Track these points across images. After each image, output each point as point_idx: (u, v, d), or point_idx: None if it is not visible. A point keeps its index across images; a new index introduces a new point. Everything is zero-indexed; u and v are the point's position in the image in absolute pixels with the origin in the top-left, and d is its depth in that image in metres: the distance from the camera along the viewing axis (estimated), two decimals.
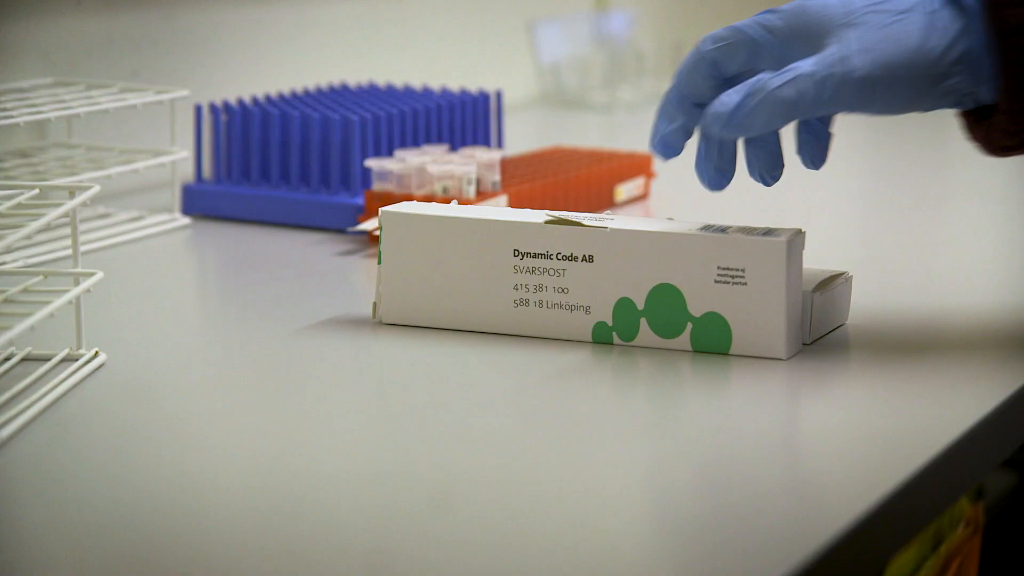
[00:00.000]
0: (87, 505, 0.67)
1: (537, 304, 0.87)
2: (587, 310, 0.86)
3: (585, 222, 0.86)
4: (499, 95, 1.30)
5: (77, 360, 0.83)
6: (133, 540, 0.64)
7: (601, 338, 0.86)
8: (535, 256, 0.87)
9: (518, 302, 0.88)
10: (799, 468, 0.73)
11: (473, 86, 1.42)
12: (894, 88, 0.81)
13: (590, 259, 0.86)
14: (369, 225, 1.10)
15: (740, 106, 0.82)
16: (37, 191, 0.85)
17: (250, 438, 0.75)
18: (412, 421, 0.78)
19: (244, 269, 1.10)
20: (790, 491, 0.69)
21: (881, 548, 0.68)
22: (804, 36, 0.83)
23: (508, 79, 1.69)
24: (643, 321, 0.85)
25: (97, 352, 0.85)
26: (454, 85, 1.42)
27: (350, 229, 1.13)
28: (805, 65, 0.81)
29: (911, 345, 0.89)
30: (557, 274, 0.87)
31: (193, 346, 0.91)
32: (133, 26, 1.32)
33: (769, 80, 0.82)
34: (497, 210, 0.90)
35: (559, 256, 0.86)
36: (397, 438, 0.76)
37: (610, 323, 0.86)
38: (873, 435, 0.76)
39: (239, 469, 0.71)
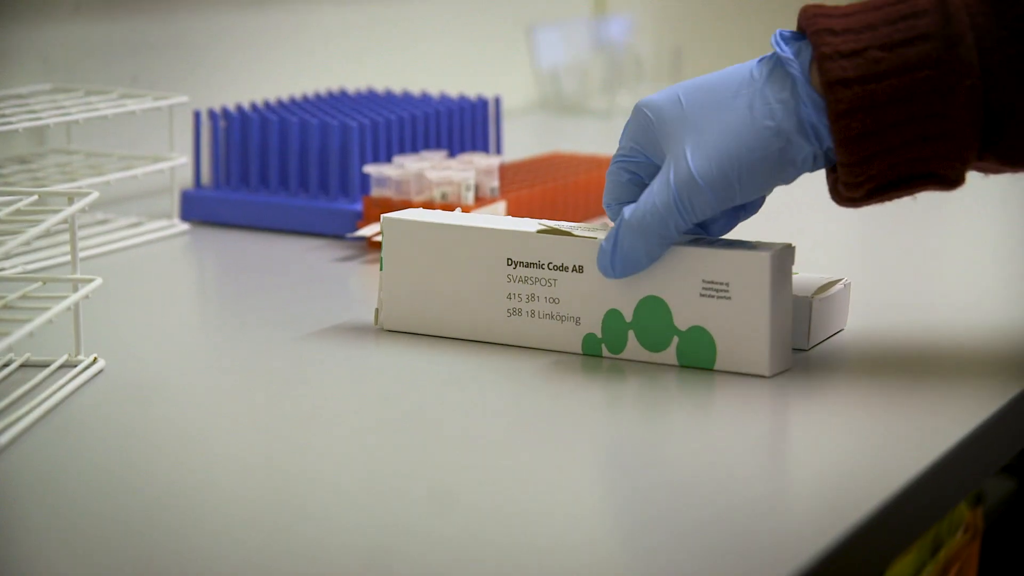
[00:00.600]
0: (86, 511, 0.67)
1: (529, 314, 0.87)
2: (577, 321, 0.86)
3: (576, 232, 0.86)
4: (498, 101, 1.30)
5: (76, 366, 0.83)
6: (132, 545, 0.64)
7: (591, 350, 0.86)
8: (527, 265, 0.87)
9: (511, 311, 0.87)
10: (798, 472, 0.73)
11: (472, 92, 1.42)
12: (744, 176, 0.81)
13: (580, 269, 0.86)
14: (368, 231, 1.10)
15: (615, 252, 0.83)
16: (36, 197, 0.85)
17: (249, 443, 0.75)
18: (410, 427, 0.78)
19: (243, 275, 1.10)
20: (789, 496, 0.69)
21: (880, 553, 0.68)
22: (655, 146, 0.84)
23: (507, 85, 1.69)
24: (631, 333, 0.85)
25: (96, 358, 0.85)
26: (453, 91, 1.42)
27: (349, 235, 1.13)
28: (656, 191, 0.82)
29: (910, 350, 0.89)
30: (548, 284, 0.86)
31: (192, 352, 0.91)
32: (132, 32, 1.32)
33: (630, 217, 0.83)
34: (496, 218, 0.90)
35: (550, 266, 0.86)
36: (395, 443, 0.75)
37: (599, 335, 0.86)
38: (873, 440, 0.76)
39: (238, 474, 0.71)
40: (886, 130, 0.80)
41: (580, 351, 0.86)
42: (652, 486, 0.70)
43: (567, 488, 0.70)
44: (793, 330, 0.87)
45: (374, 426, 0.78)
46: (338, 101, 1.28)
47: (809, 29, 0.82)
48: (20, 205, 0.84)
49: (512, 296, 0.87)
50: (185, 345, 0.93)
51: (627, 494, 0.70)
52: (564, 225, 0.87)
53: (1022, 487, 1.41)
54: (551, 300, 0.86)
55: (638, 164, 0.85)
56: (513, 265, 0.87)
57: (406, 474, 0.72)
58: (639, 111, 0.84)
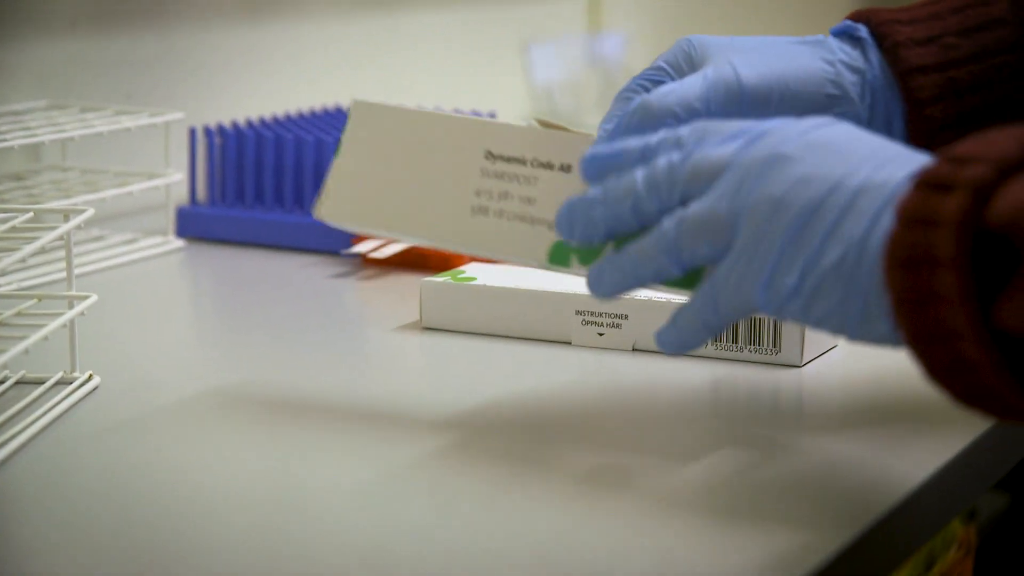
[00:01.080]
0: (83, 527, 0.67)
1: (497, 214, 0.79)
2: (550, 225, 0.78)
3: (572, 128, 0.79)
4: (492, 117, 1.30)
5: (71, 383, 0.84)
6: (129, 560, 0.64)
7: (558, 259, 0.77)
8: (508, 160, 0.79)
9: (476, 209, 0.79)
10: (790, 489, 0.73)
11: (467, 107, 1.42)
12: (785, 101, 0.77)
13: (567, 169, 0.78)
14: (363, 248, 1.11)
15: (618, 127, 0.76)
16: (31, 214, 0.86)
17: (245, 459, 0.75)
18: (409, 438, 0.78)
19: (238, 291, 1.10)
20: (781, 512, 0.69)
21: (874, 570, 0.69)
22: (691, 68, 0.79)
23: (502, 100, 1.70)
24: (610, 243, 0.75)
25: (91, 375, 0.85)
26: (448, 106, 1.42)
27: (344, 251, 1.13)
28: (687, 81, 0.77)
29: (902, 367, 0.89)
30: (527, 182, 0.78)
31: (187, 368, 0.91)
32: (127, 48, 1.32)
33: (649, 94, 0.76)
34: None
35: (534, 163, 0.78)
36: (392, 457, 0.76)
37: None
38: (866, 457, 0.76)
39: (235, 490, 0.71)
40: (964, 119, 0.79)
41: (546, 262, 0.78)
42: (645, 496, 0.70)
43: (563, 490, 0.70)
44: (786, 347, 0.87)
45: (372, 438, 0.78)
46: (333, 117, 1.28)
47: (873, 21, 0.80)
48: (15, 222, 0.84)
49: (481, 192, 0.79)
50: (180, 362, 0.93)
51: (621, 504, 0.70)
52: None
53: (1015, 503, 1.41)
54: (526, 200, 0.78)
55: (661, 85, 0.78)
56: (492, 159, 0.79)
57: (406, 490, 0.72)
58: (682, 39, 0.79)
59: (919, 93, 0.79)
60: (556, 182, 0.78)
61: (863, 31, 0.80)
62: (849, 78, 0.79)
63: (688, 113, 0.76)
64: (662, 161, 0.70)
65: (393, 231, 0.81)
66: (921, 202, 0.61)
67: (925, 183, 0.62)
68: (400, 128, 0.81)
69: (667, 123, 0.75)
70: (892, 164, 0.65)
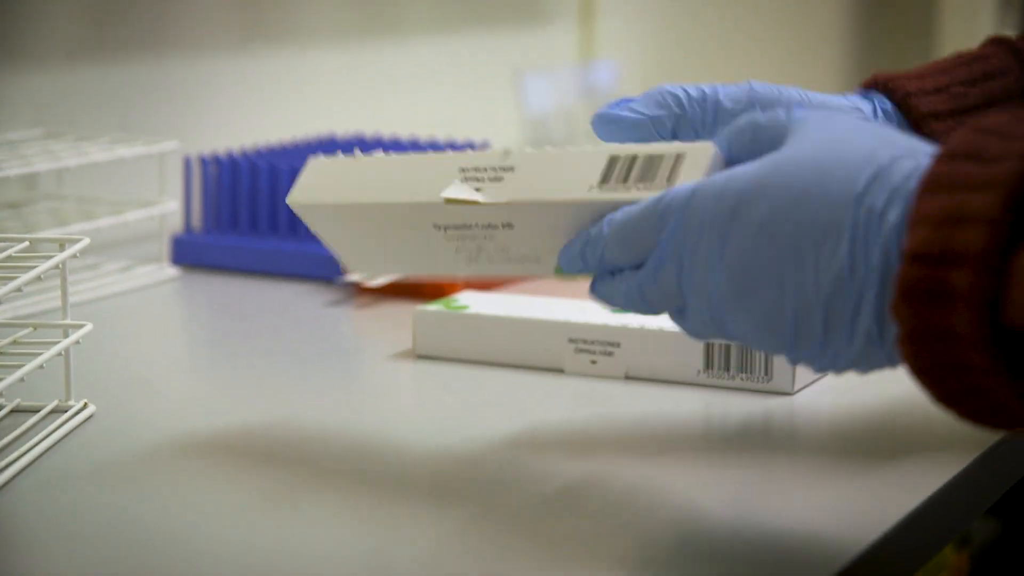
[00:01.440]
0: (76, 557, 0.67)
1: (488, 259, 0.79)
2: (537, 259, 0.78)
3: (483, 199, 0.77)
4: (486, 146, 1.31)
5: (66, 411, 0.84)
6: None
7: (565, 275, 0.77)
8: (458, 227, 0.78)
9: (469, 259, 0.79)
10: (782, 517, 0.73)
11: (460, 137, 1.43)
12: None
13: (510, 226, 0.77)
14: (357, 275, 1.11)
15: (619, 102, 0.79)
16: (27, 243, 0.86)
17: (238, 486, 0.76)
18: (400, 468, 0.78)
19: (233, 319, 1.10)
20: (772, 541, 0.70)
21: None
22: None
23: (495, 130, 1.70)
24: None
25: (86, 403, 0.85)
26: (441, 136, 1.43)
27: (338, 279, 1.14)
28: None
29: (896, 393, 0.89)
30: (489, 238, 0.78)
31: (181, 396, 0.91)
32: (123, 78, 1.33)
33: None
34: (412, 165, 0.80)
35: (479, 226, 0.78)
36: (385, 484, 0.76)
37: (564, 268, 0.76)
38: (858, 483, 0.76)
39: (227, 517, 0.72)
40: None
41: (554, 274, 0.77)
42: (637, 523, 0.70)
43: (554, 517, 0.70)
44: (778, 374, 0.88)
45: (365, 465, 0.78)
46: (327, 147, 1.29)
47: (881, 79, 0.82)
48: (11, 251, 0.85)
49: (460, 250, 0.79)
50: (175, 390, 0.93)
51: (612, 530, 0.70)
52: (475, 182, 0.78)
53: (1007, 529, 1.41)
54: (501, 249, 0.78)
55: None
56: (443, 229, 0.79)
57: (398, 513, 0.72)
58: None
59: (934, 139, 0.80)
60: (510, 234, 0.77)
61: (875, 95, 0.82)
62: (865, 109, 0.81)
63: (697, 91, 0.78)
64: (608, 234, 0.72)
65: (417, 272, 0.82)
66: (925, 280, 0.60)
67: (919, 266, 0.61)
68: (348, 216, 0.81)
69: (677, 96, 0.78)
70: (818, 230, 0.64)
